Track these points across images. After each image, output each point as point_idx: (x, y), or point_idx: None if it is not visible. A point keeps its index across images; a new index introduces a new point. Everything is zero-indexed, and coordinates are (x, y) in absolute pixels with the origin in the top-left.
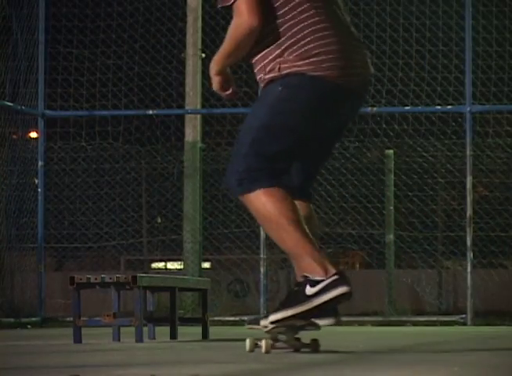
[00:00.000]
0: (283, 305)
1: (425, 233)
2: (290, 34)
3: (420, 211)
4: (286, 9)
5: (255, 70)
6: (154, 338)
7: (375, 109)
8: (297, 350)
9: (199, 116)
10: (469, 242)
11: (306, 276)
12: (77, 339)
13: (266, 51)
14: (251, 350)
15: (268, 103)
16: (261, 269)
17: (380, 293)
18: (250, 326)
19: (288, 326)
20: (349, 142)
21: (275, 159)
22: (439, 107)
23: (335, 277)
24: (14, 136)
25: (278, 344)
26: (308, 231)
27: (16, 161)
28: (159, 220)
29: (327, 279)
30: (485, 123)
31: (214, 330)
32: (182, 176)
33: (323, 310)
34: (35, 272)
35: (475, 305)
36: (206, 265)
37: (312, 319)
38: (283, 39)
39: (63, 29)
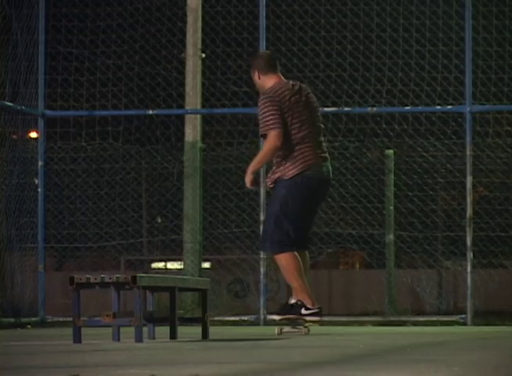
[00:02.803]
0: (287, 311)
1: (425, 233)
2: (289, 151)
3: (420, 211)
4: (291, 132)
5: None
6: (154, 338)
7: (375, 109)
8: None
9: (199, 116)
10: (469, 242)
11: (302, 302)
12: (77, 339)
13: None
14: (278, 333)
15: (279, 197)
16: (261, 269)
17: (380, 293)
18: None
19: (287, 322)
20: (349, 142)
21: (289, 232)
22: (439, 107)
23: (317, 310)
24: (14, 136)
25: (284, 329)
26: (304, 278)
27: (16, 161)
28: (159, 220)
29: (313, 309)
30: (485, 123)
31: (214, 330)
32: (182, 176)
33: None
34: (35, 272)
35: (475, 305)
36: (206, 265)
37: (304, 317)
38: (285, 153)
39: (63, 29)
